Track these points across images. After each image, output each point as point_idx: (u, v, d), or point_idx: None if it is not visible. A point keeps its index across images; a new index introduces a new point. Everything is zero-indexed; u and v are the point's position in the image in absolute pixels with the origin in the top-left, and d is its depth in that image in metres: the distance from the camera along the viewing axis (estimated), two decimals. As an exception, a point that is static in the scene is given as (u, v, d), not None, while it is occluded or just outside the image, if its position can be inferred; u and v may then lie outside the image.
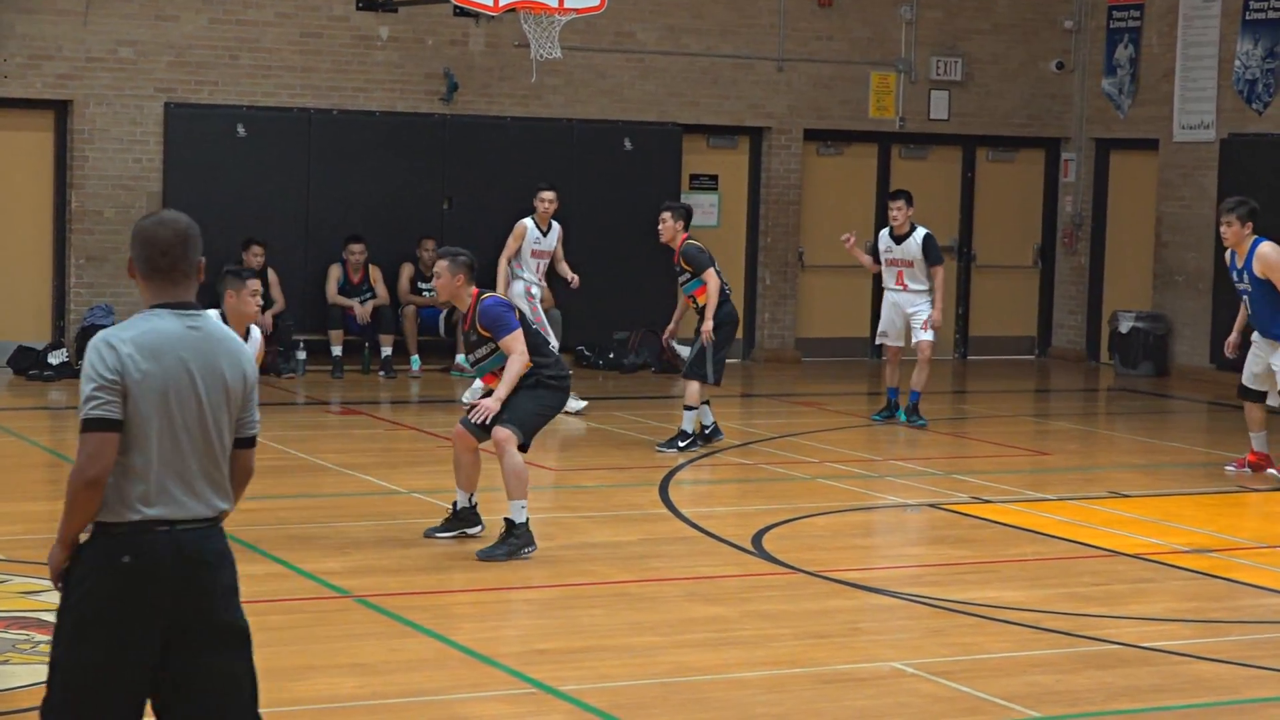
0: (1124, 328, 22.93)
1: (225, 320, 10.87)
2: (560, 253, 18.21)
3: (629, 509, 13.43)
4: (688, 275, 15.99)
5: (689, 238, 16.13)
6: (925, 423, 17.07)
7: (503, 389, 11.42)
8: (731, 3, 22.57)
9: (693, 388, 15.88)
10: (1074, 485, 14.91)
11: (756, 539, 12.27)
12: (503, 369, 11.51)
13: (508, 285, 17.66)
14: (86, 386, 5.79)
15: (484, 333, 11.51)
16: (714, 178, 22.86)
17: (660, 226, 16.08)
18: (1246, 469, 15.42)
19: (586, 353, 21.63)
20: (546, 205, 18.02)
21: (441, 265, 11.57)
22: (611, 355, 21.60)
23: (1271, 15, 21.76)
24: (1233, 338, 15.57)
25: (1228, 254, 15.38)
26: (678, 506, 13.36)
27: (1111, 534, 12.81)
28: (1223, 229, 15.15)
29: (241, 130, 20.50)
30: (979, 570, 11.78)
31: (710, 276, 15.87)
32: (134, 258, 5.99)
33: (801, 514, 13.29)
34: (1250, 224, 15.07)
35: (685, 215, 16.21)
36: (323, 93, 20.83)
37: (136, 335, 5.86)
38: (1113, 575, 11.65)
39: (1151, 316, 22.94)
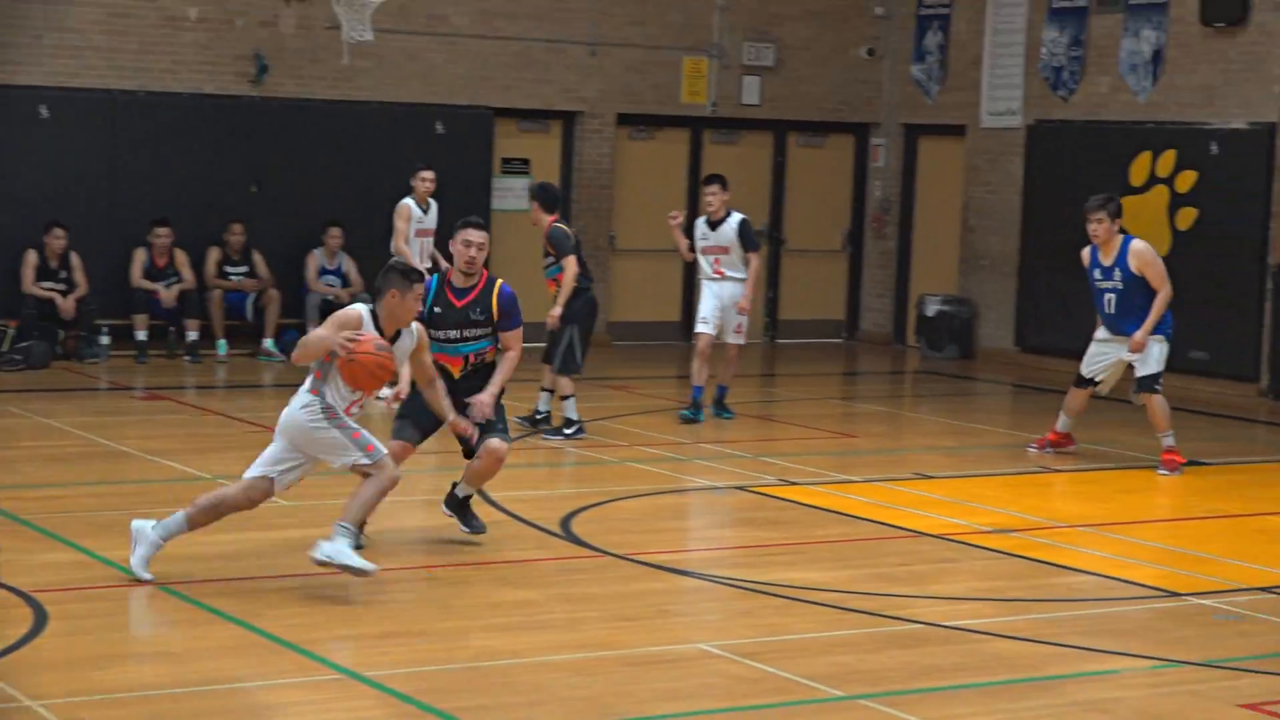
0: (930, 311, 23.21)
1: (375, 318, 10.43)
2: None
3: (439, 494, 13.37)
4: (551, 259, 15.89)
5: (557, 220, 15.99)
6: (732, 415, 17.11)
7: (498, 382, 11.31)
8: (543, -14, 22.58)
9: (562, 382, 15.89)
10: (880, 467, 15.07)
11: (565, 522, 12.29)
12: (477, 355, 11.40)
13: None
14: None
15: (497, 314, 11.34)
16: (525, 161, 22.83)
17: (531, 212, 16.09)
18: (1048, 448, 15.66)
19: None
20: (427, 185, 18.27)
21: (482, 235, 11.44)
22: (423, 339, 21.49)
23: (1078, 3, 22.09)
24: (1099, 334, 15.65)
25: (1086, 251, 15.45)
26: (487, 491, 13.33)
27: (916, 515, 12.96)
28: (1092, 227, 15.18)
29: (44, 111, 20.15)
30: (786, 552, 11.87)
31: (569, 263, 15.73)
32: None
33: (611, 497, 13.32)
34: (1119, 220, 15.22)
35: (546, 198, 16.03)
36: (129, 74, 20.53)
37: None
38: (917, 556, 11.79)
39: (957, 300, 23.24)
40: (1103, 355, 15.51)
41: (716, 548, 12.21)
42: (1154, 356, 15.24)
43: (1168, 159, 20.94)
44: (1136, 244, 15.20)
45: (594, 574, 10.99)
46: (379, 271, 10.74)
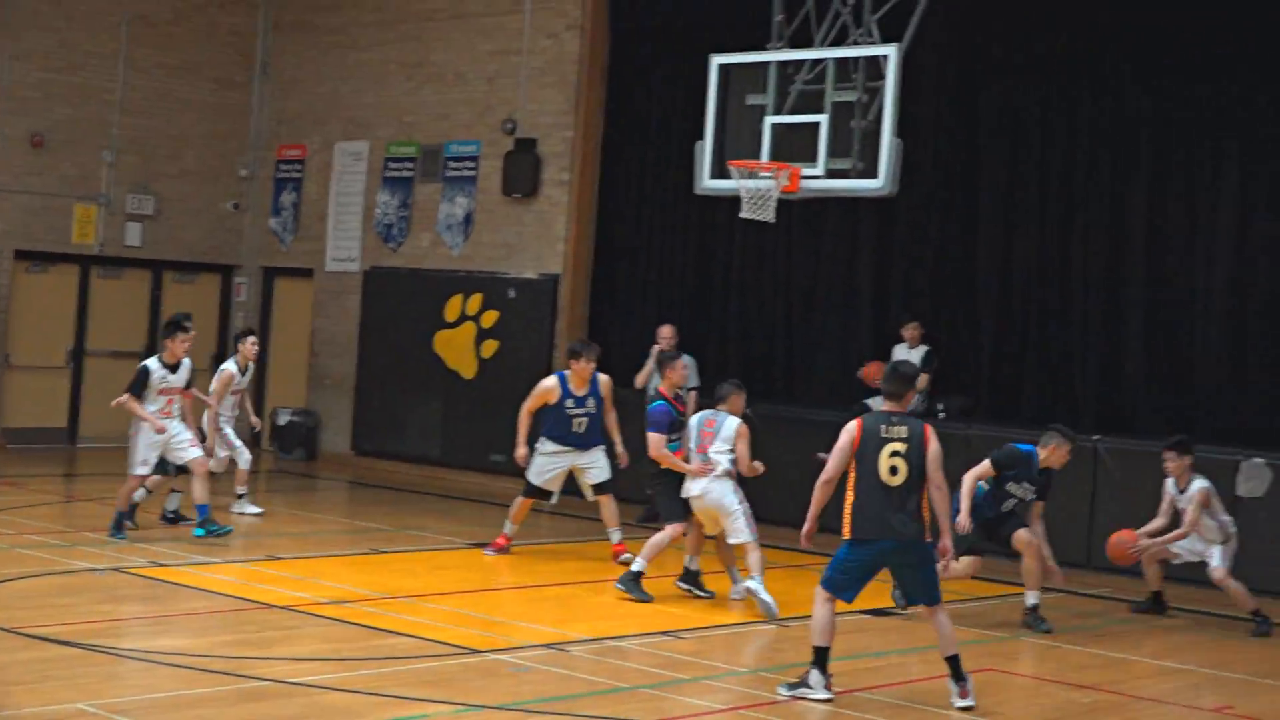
0: (283, 421, 22.96)
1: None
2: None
3: None
4: None
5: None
6: (230, 529, 15.30)
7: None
8: (-49, 138, 21.44)
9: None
10: (239, 550, 14.72)
11: (-40, 601, 11.56)
12: None
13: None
14: None
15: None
16: (-68, 288, 21.57)
17: None
18: (496, 551, 15.25)
19: None
20: (254, 349, 17.05)
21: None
22: None
23: (404, 174, 22.38)
24: (522, 451, 15.13)
25: (554, 382, 15.02)
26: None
27: (269, 590, 12.71)
28: (581, 367, 14.85)
29: None
30: (156, 623, 11.47)
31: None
32: None
33: (2, 578, 12.60)
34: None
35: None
36: None
37: None
38: (268, 624, 11.56)
39: (305, 412, 23.07)
40: (554, 466, 15.13)
41: (94, 621, 11.64)
42: (608, 464, 15.23)
43: (476, 300, 21.33)
44: (603, 376, 15.08)
45: (-16, 645, 10.36)
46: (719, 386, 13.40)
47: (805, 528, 10.31)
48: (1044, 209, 17.61)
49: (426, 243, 22.15)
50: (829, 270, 19.17)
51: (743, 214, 14.95)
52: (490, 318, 21.13)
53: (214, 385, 16.51)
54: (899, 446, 10.05)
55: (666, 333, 18.13)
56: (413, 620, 11.94)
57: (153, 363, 14.92)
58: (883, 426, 10.12)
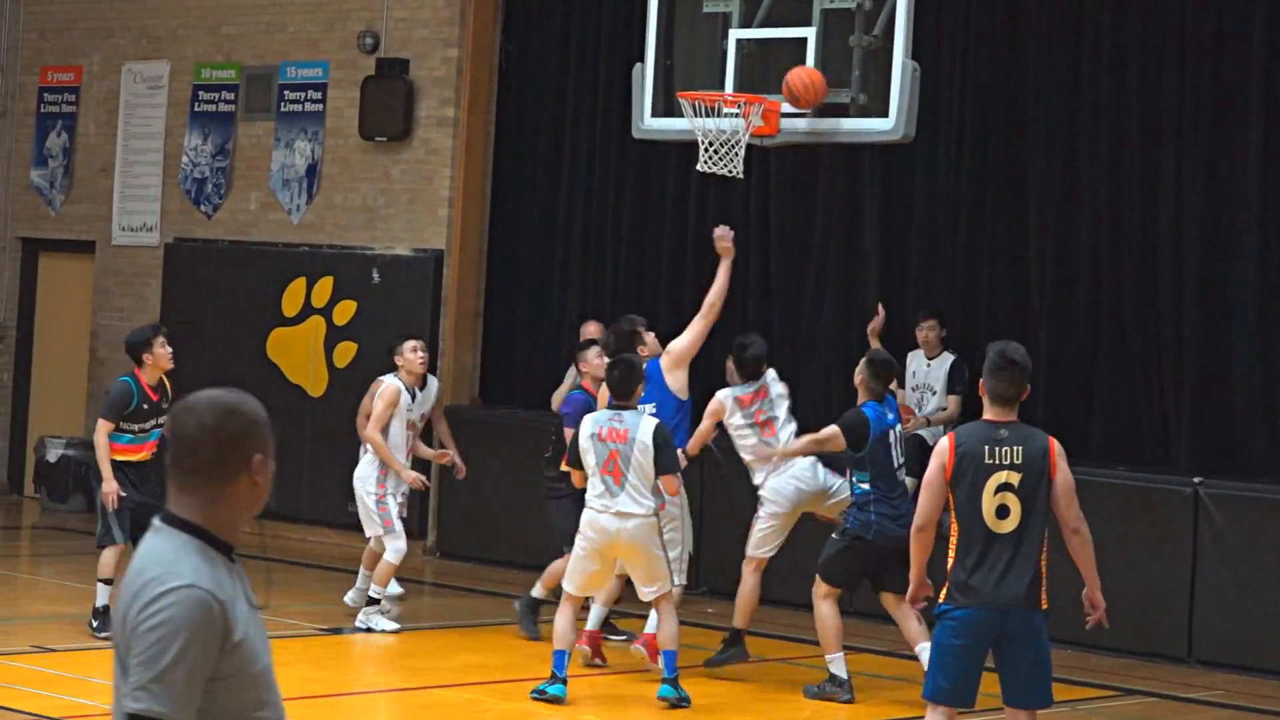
0: (52, 456, 22.85)
1: None
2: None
3: None
4: None
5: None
6: None
7: None
8: None
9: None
10: (-9, 639, 14.78)
11: None
12: None
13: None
14: None
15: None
16: None
17: None
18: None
19: None
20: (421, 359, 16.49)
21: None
22: None
23: (223, 108, 22.31)
24: None
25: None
26: None
27: (35, 695, 12.72)
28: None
29: None
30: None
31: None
32: None
33: None
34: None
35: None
36: None
37: None
38: (35, 742, 11.64)
39: (84, 444, 22.99)
40: None
41: None
42: None
43: (325, 286, 21.24)
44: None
45: None
46: None
47: (910, 589, 10.17)
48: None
49: (254, 205, 22.16)
50: (821, 245, 19.21)
51: (700, 166, 15.09)
52: (345, 311, 21.12)
53: (376, 407, 16.08)
54: (1010, 476, 9.78)
55: (593, 331, 18.24)
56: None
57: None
58: (987, 447, 9.80)
